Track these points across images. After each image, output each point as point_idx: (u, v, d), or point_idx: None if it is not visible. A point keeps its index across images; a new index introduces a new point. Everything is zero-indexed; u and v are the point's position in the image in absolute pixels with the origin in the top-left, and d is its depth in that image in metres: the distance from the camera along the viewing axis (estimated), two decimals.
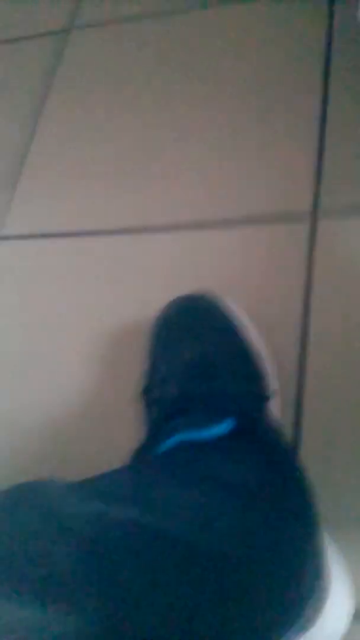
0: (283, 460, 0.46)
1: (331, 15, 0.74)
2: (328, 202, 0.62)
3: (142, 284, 0.65)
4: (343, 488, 0.49)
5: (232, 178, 0.68)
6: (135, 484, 0.40)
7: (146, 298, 0.62)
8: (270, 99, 0.71)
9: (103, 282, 0.66)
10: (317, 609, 0.39)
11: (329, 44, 0.72)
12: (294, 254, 0.60)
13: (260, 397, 0.50)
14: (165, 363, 0.52)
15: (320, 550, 0.40)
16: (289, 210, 0.63)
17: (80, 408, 0.60)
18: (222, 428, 0.45)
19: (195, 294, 0.57)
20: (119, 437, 0.54)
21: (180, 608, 0.30)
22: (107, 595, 0.29)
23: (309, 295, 0.58)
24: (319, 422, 0.52)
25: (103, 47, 0.82)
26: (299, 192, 0.64)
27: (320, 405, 0.53)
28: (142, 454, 0.47)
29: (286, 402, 0.53)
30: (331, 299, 0.57)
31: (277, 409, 0.51)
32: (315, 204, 0.62)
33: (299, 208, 0.63)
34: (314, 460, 0.48)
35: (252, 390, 0.50)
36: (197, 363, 0.50)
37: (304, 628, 0.37)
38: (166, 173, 0.71)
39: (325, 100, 0.69)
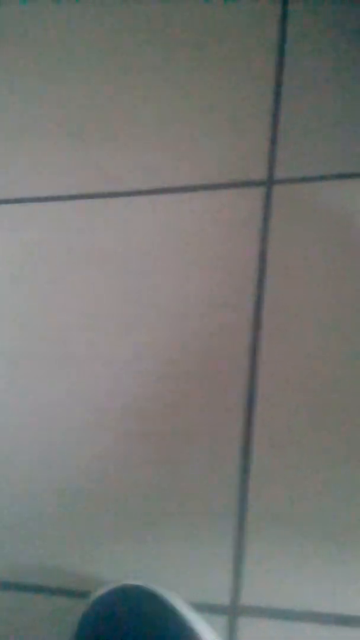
0: None
1: None
2: (283, 170, 0.54)
3: (86, 248, 0.55)
4: None
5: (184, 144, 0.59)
6: None
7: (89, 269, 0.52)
8: (225, 59, 0.63)
9: (46, 250, 0.56)
10: None
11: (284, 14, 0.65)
12: (249, 220, 0.51)
13: None
14: None
15: None
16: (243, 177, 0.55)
17: None
18: None
19: (128, 585, 0.41)
20: None
21: None
22: None
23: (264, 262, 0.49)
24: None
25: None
26: (254, 160, 0.55)
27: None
28: None
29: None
30: (287, 264, 0.48)
31: None
32: (270, 172, 0.54)
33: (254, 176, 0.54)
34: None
35: None
36: None
37: None
38: (114, 137, 0.62)
39: (280, 63, 0.61)
